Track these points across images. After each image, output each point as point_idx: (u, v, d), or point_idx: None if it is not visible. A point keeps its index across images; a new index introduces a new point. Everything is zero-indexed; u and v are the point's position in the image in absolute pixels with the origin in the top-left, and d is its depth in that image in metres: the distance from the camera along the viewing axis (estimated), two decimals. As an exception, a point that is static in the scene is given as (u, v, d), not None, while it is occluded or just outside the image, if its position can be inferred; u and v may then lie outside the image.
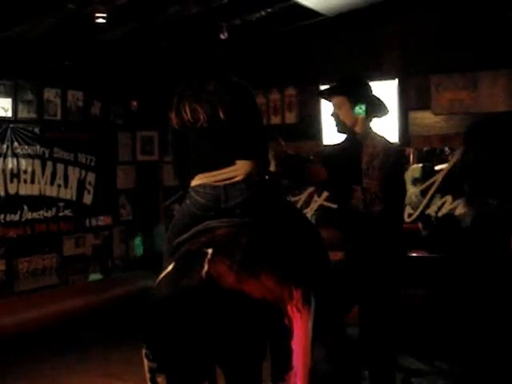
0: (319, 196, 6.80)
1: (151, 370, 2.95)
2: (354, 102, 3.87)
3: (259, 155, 3.39)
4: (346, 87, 3.93)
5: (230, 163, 3.29)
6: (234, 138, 3.32)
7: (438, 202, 6.41)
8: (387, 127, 6.33)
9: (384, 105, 3.97)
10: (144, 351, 2.96)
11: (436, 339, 5.48)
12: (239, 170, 3.27)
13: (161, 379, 2.93)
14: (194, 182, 3.35)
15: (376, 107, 3.94)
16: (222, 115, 3.27)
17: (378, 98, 3.97)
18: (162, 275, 3.04)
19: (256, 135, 3.44)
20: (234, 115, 3.31)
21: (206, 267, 2.83)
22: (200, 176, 3.33)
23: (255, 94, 3.52)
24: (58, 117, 6.64)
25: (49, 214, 6.55)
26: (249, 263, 2.90)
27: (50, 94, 6.54)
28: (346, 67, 6.55)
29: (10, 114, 6.18)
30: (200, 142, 3.35)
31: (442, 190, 6.30)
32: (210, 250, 2.92)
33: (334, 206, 5.25)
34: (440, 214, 6.28)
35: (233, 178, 3.26)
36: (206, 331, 2.85)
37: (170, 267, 3.02)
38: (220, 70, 3.50)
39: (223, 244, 3.02)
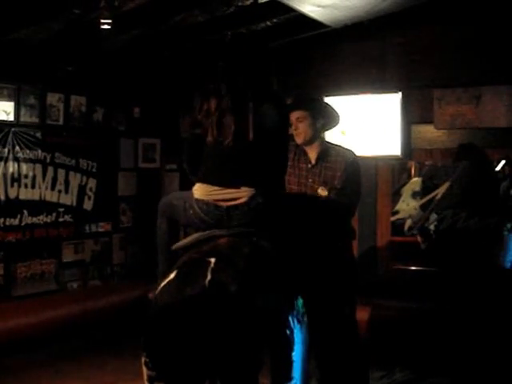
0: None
1: (150, 379, 2.94)
2: (315, 117, 4.31)
3: (266, 184, 3.32)
4: (308, 103, 4.38)
5: (234, 187, 3.26)
6: (247, 166, 3.29)
7: (437, 216, 6.44)
8: (389, 140, 6.39)
9: (338, 117, 4.40)
10: (143, 359, 2.95)
11: (433, 353, 5.49)
12: (243, 192, 3.24)
13: (160, 388, 2.91)
14: (198, 194, 3.34)
15: (332, 121, 4.41)
16: (243, 139, 3.24)
17: (334, 112, 4.39)
18: (163, 283, 3.04)
19: (270, 164, 3.39)
20: (256, 139, 3.27)
21: (209, 276, 2.84)
22: (202, 186, 3.32)
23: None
24: (61, 122, 6.61)
25: (49, 219, 6.52)
26: (251, 273, 2.91)
27: (52, 98, 6.51)
28: (349, 79, 6.60)
29: (11, 117, 6.15)
30: (213, 156, 3.33)
31: (442, 205, 6.32)
32: (212, 259, 2.93)
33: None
34: (440, 228, 6.31)
35: (236, 199, 3.24)
36: (207, 340, 2.85)
37: (172, 275, 3.02)
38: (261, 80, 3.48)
39: (226, 253, 3.03)
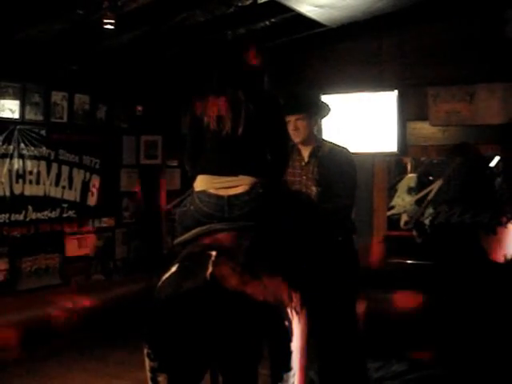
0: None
1: (152, 370, 2.97)
2: (312, 117, 4.37)
3: (265, 174, 3.40)
4: (308, 106, 4.39)
5: (234, 174, 3.34)
6: (245, 154, 3.37)
7: (432, 211, 6.51)
8: (386, 137, 6.49)
9: (328, 107, 4.45)
10: (146, 350, 2.97)
11: (430, 344, 5.58)
12: (243, 180, 3.31)
13: (162, 378, 2.96)
14: (198, 186, 3.40)
15: (324, 113, 4.47)
16: (241, 130, 3.34)
17: (323, 104, 4.46)
18: (165, 276, 3.06)
19: (269, 153, 3.49)
20: (253, 131, 3.37)
21: (210, 269, 2.88)
22: (203, 178, 3.39)
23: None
24: (65, 119, 6.69)
25: (53, 214, 6.60)
26: (251, 265, 2.96)
27: (57, 97, 6.59)
28: (346, 78, 6.67)
29: (17, 115, 6.23)
30: (213, 145, 3.41)
31: (437, 200, 6.39)
32: (213, 253, 2.97)
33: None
34: (435, 223, 6.38)
35: (237, 186, 3.31)
36: (208, 331, 2.89)
37: (174, 268, 3.05)
38: (254, 79, 3.58)
39: (226, 247, 3.07)
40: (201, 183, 3.40)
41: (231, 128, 3.34)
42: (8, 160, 6.18)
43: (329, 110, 4.46)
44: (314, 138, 4.43)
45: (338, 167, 4.30)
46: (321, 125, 4.56)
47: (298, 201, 3.74)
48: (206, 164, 3.42)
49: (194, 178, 3.50)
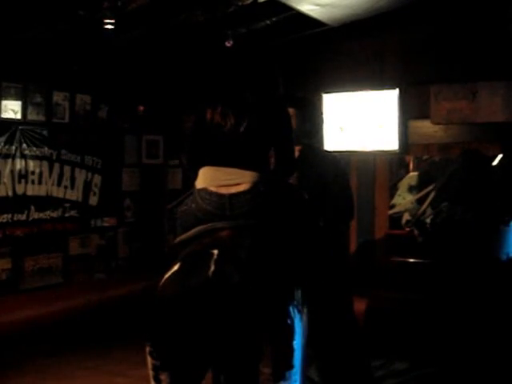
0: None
1: (155, 368, 2.97)
2: (302, 118, 4.28)
3: (267, 171, 3.38)
4: (298, 101, 4.35)
5: (237, 166, 3.30)
6: (248, 148, 3.34)
7: (433, 209, 6.51)
8: (387, 135, 6.50)
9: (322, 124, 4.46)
10: (148, 349, 2.98)
11: (431, 343, 5.58)
12: (245, 177, 3.28)
13: (164, 377, 2.96)
14: (200, 183, 3.39)
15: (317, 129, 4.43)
16: (244, 125, 3.30)
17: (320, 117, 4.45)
18: (167, 275, 3.06)
19: (276, 156, 3.45)
20: (257, 129, 3.33)
21: (212, 267, 2.89)
22: (205, 171, 3.38)
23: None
24: (66, 120, 6.72)
25: (55, 214, 6.62)
26: (253, 264, 2.97)
27: (58, 97, 6.62)
28: (348, 77, 6.68)
29: (19, 116, 6.25)
30: (216, 140, 3.37)
31: (438, 199, 6.39)
32: (215, 251, 2.97)
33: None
34: (437, 221, 6.38)
35: (238, 184, 3.28)
36: (210, 329, 2.90)
37: (176, 267, 3.04)
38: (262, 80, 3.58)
39: (228, 245, 3.07)
40: (202, 179, 3.38)
41: (234, 123, 3.34)
42: (10, 160, 6.21)
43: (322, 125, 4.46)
44: (302, 145, 4.33)
45: (326, 169, 4.29)
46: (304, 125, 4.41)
47: (296, 199, 3.74)
48: (209, 157, 3.41)
49: (194, 178, 3.50)
